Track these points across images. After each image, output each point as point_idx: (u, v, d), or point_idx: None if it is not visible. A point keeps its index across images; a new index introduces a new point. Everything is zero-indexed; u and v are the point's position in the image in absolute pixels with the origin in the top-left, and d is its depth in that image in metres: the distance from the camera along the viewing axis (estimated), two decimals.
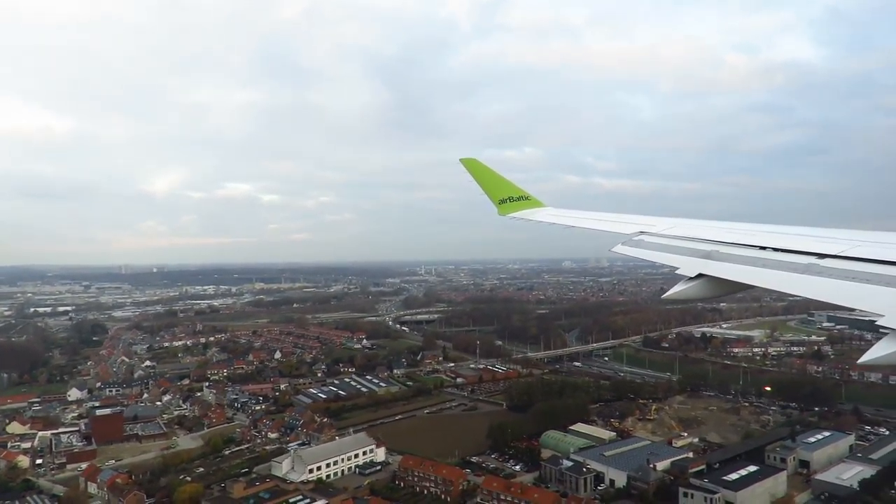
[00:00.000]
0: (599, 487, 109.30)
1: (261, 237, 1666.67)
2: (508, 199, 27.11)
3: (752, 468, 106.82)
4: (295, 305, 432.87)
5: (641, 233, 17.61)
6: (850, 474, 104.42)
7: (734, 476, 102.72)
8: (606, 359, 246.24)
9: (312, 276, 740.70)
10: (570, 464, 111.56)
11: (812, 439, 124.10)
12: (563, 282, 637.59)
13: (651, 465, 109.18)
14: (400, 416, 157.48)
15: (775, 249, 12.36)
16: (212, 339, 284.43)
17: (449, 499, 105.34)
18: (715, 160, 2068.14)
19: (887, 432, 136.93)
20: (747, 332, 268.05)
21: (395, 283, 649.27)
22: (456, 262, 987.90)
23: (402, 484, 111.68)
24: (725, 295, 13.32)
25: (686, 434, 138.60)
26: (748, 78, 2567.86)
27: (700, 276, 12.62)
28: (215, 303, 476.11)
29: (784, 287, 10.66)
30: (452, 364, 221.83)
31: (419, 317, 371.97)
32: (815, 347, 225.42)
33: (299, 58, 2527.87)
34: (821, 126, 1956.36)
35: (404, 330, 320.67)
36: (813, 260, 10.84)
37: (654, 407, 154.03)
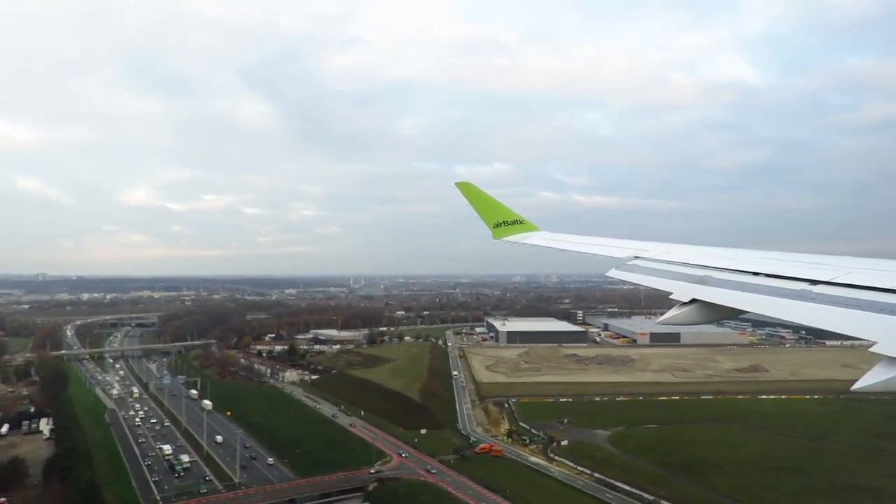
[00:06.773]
0: None
1: (253, 250, 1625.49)
2: (503, 222, 26.67)
3: None
4: (68, 308, 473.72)
5: (636, 257, 17.41)
6: None
7: None
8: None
9: (238, 286, 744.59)
10: None
11: None
12: (451, 293, 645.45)
13: None
14: None
15: (768, 275, 11.96)
16: None
17: None
18: (687, 177, 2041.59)
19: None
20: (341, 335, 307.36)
21: (269, 294, 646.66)
22: (418, 277, 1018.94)
23: None
24: (719, 320, 13.56)
25: None
26: (697, 97, 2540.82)
27: (694, 301, 12.40)
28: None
29: (776, 313, 10.39)
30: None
31: (148, 320, 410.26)
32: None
33: (169, 67, 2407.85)
34: (782, 144, 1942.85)
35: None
36: (805, 286, 10.56)
37: None
